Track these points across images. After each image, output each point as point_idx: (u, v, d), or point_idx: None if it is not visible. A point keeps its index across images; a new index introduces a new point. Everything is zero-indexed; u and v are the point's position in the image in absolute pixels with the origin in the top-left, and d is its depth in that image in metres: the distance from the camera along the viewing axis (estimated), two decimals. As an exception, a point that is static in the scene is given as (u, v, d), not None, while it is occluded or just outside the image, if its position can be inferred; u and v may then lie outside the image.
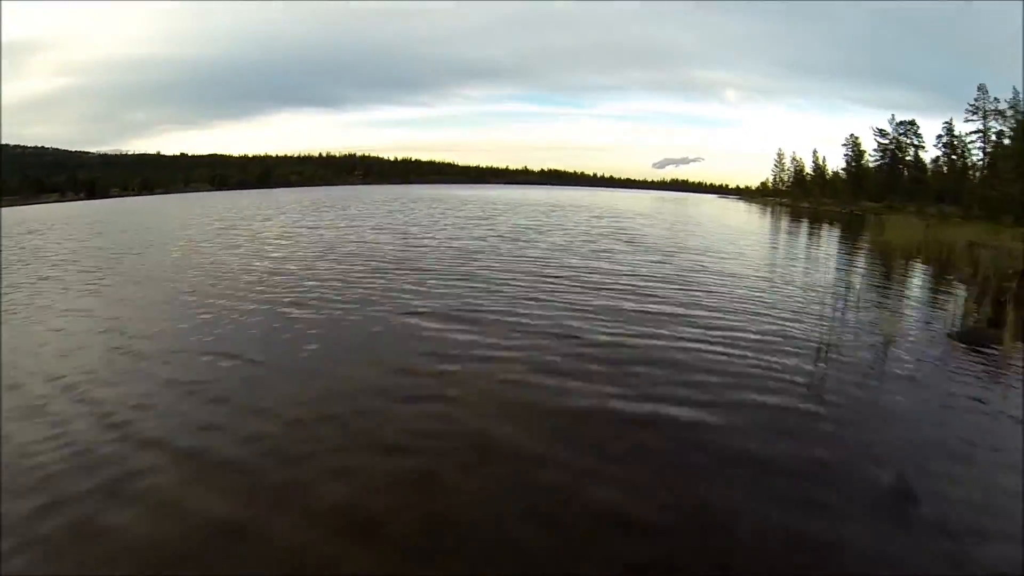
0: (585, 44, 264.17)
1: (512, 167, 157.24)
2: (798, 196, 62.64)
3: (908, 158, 49.54)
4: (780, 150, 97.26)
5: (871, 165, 54.03)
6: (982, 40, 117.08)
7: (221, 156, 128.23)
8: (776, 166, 78.08)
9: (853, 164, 56.93)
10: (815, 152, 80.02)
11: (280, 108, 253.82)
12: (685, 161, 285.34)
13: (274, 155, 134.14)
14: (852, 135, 57.46)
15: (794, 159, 74.91)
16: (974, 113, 40.88)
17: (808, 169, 70.22)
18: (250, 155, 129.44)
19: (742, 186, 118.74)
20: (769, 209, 48.57)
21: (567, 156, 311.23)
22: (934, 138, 46.40)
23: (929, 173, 47.03)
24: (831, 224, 27.19)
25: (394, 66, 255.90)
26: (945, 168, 45.91)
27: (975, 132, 41.35)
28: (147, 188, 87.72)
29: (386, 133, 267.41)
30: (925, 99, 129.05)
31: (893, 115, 50.08)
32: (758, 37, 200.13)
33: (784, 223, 27.10)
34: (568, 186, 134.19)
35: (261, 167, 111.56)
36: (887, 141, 50.73)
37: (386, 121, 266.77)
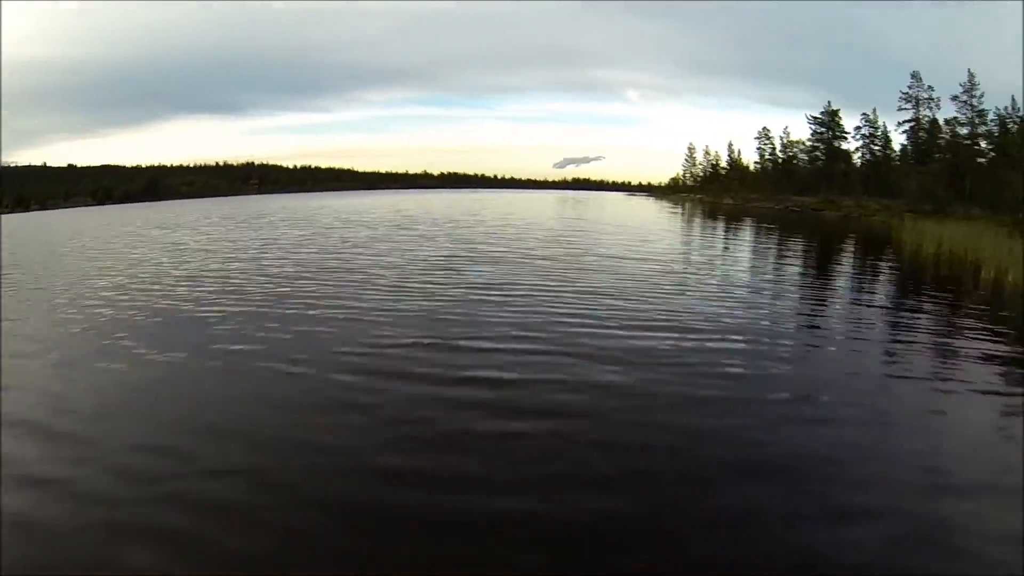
0: (488, 46, 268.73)
1: (412, 171, 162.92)
2: (716, 192, 59.31)
3: (845, 148, 48.15)
4: (691, 144, 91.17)
5: (801, 156, 52.37)
6: (870, 40, 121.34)
7: (112, 167, 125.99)
8: (687, 161, 75.34)
9: (775, 157, 55.37)
10: (730, 145, 71.55)
11: (175, 114, 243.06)
12: (586, 160, 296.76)
13: (168, 165, 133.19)
14: (765, 128, 56.60)
15: (707, 153, 71.83)
16: (907, 101, 39.48)
17: (724, 163, 67.66)
18: (143, 165, 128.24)
19: (645, 183, 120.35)
20: (694, 208, 44.42)
21: (470, 159, 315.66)
22: (852, 130, 46.45)
23: (857, 164, 46.32)
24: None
25: (294, 71, 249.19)
26: (863, 160, 45.58)
27: (908, 121, 39.98)
28: (22, 204, 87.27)
29: (286, 140, 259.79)
30: (819, 97, 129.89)
31: (829, 102, 48.63)
32: (660, 37, 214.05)
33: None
34: (469, 188, 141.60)
35: (150, 178, 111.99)
36: (824, 130, 48.51)
37: (286, 128, 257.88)
